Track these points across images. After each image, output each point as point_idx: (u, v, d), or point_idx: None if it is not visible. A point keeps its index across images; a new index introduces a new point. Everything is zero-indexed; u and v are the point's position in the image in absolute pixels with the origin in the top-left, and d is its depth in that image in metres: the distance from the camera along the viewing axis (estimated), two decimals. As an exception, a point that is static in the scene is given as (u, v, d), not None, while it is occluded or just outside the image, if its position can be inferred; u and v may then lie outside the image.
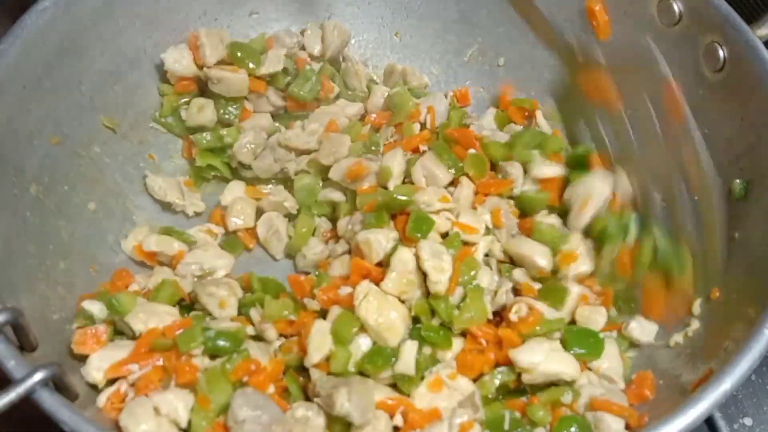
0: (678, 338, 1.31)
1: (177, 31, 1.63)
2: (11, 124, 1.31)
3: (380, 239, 1.35)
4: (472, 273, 1.33)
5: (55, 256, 1.37)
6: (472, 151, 1.50)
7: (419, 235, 1.34)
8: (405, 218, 1.39)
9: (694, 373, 1.17)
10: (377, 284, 1.31)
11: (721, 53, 1.36)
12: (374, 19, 1.79)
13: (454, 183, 1.51)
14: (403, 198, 1.37)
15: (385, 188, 1.47)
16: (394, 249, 1.33)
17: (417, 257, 1.33)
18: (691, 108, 1.44)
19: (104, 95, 1.53)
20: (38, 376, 0.94)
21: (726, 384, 0.98)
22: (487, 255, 1.43)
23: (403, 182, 1.51)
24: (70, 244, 1.42)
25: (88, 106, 1.50)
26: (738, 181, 1.33)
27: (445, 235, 1.39)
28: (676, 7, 1.43)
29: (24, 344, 1.06)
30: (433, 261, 1.31)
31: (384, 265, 1.35)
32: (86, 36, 1.46)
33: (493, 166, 1.53)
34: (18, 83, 1.32)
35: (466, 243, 1.40)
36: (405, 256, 1.33)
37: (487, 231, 1.43)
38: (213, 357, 1.24)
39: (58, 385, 1.01)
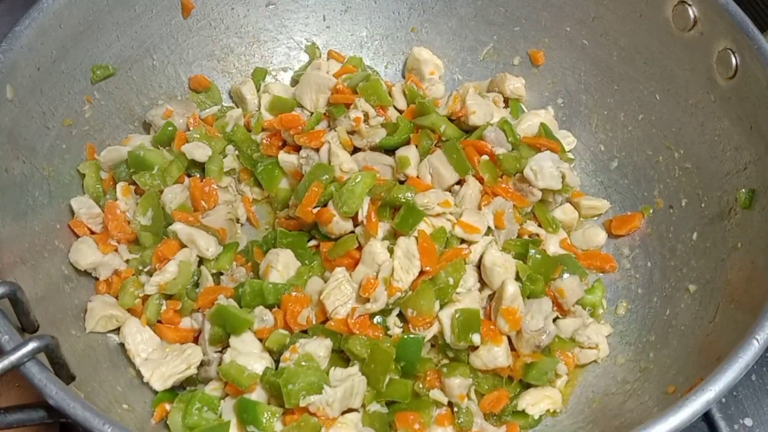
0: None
1: (195, 18, 1.65)
2: (24, 104, 1.33)
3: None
4: (456, 276, 1.33)
5: (62, 236, 1.39)
6: (485, 157, 1.49)
7: (406, 229, 1.35)
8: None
9: (687, 382, 1.17)
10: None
11: (733, 60, 1.35)
12: (390, 14, 1.79)
13: (461, 182, 1.50)
14: (404, 199, 1.37)
15: (404, 176, 1.48)
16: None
17: (391, 251, 1.35)
18: (702, 115, 1.43)
19: (119, 80, 1.55)
20: (28, 347, 0.96)
21: (710, 393, 0.98)
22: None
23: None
24: (77, 225, 1.45)
25: (103, 90, 1.52)
26: (743, 190, 1.31)
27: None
28: (690, 12, 1.41)
29: (24, 324, 1.08)
30: (404, 260, 1.32)
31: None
32: (103, 20, 1.48)
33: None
34: (32, 65, 1.34)
35: (465, 241, 1.41)
36: (375, 249, 1.35)
37: (488, 231, 1.43)
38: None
39: (55, 361, 1.03)
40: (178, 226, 1.40)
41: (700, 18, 1.40)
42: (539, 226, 1.52)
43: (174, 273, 1.35)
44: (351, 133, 1.53)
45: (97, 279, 1.42)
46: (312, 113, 1.60)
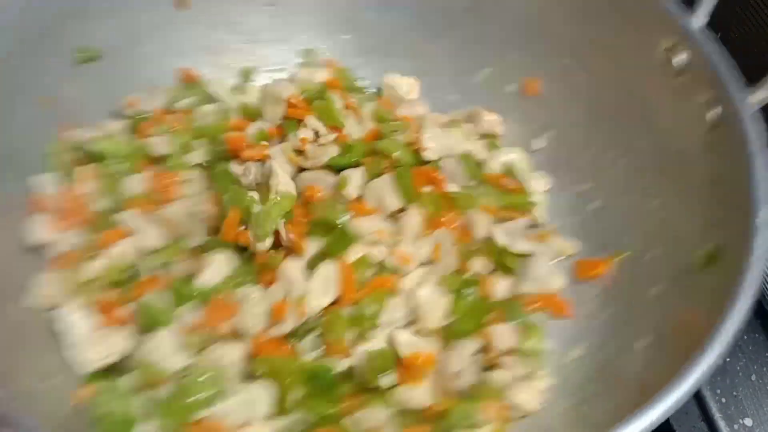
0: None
1: (192, 11, 1.67)
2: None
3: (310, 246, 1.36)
4: (374, 307, 1.30)
5: (16, 212, 1.39)
6: (429, 188, 1.46)
7: (335, 252, 1.33)
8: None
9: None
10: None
11: (714, 112, 1.29)
12: (391, 29, 1.77)
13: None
14: (335, 221, 1.35)
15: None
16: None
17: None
18: (683, 165, 1.38)
19: (104, 65, 1.56)
20: None
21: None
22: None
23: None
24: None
25: (85, 73, 1.54)
26: (707, 246, 1.25)
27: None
28: (682, 57, 1.37)
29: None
30: (320, 284, 1.30)
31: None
32: (94, 2, 1.50)
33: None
34: (16, 38, 1.37)
35: (396, 272, 1.38)
36: (288, 268, 1.32)
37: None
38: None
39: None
40: (126, 215, 1.40)
41: (690, 64, 1.35)
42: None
43: (114, 259, 1.36)
44: (299, 152, 1.51)
45: (47, 257, 1.42)
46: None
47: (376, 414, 1.24)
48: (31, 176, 1.44)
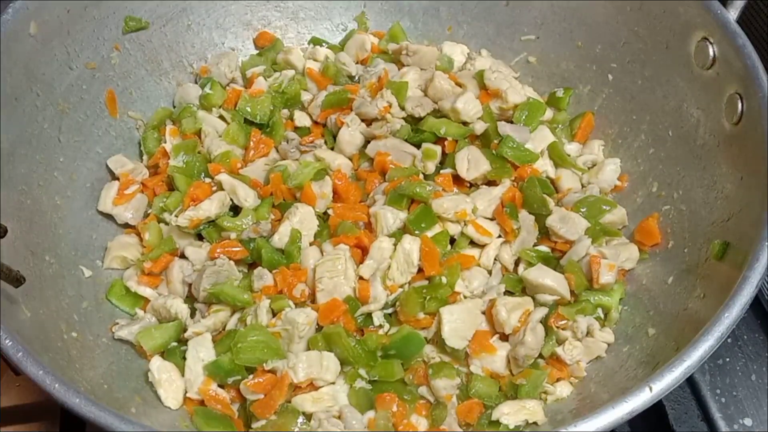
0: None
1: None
2: (48, 42, 1.43)
3: (389, 216, 1.41)
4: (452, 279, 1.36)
5: (64, 169, 1.47)
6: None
7: (417, 230, 1.39)
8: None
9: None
10: (360, 259, 1.39)
11: (740, 105, 1.29)
12: (429, 10, 1.81)
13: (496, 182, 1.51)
14: (421, 194, 1.40)
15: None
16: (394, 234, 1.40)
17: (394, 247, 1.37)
18: (706, 158, 1.38)
19: (152, 34, 1.64)
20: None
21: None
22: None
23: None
24: (83, 163, 1.52)
25: (134, 41, 1.61)
26: (717, 241, 1.26)
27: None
28: (711, 50, 1.36)
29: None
30: (402, 263, 1.35)
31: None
32: (141, -24, 1.57)
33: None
34: (62, 7, 1.44)
35: (474, 243, 1.44)
36: (384, 245, 1.37)
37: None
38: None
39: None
40: (223, 177, 1.47)
41: (718, 57, 1.35)
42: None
43: (209, 211, 1.42)
44: (373, 120, 1.56)
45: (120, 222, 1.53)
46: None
47: (449, 383, 1.27)
48: (79, 135, 1.52)
